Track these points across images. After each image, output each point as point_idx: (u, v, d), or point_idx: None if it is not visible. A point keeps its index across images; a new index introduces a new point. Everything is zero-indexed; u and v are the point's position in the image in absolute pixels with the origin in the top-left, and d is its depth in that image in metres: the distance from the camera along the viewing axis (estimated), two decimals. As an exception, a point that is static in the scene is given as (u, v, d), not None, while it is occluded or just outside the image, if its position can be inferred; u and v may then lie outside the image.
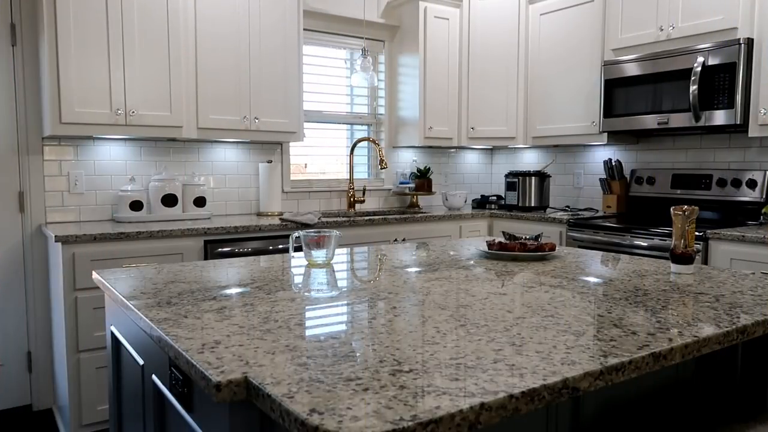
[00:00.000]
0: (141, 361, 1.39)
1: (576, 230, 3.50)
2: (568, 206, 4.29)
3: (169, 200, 3.34)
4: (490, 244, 2.08)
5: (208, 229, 3.00)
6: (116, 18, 2.99)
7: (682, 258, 1.75)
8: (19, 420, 3.08)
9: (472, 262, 1.95)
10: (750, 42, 2.99)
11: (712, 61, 3.07)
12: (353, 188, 4.13)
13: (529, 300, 1.39)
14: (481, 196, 4.52)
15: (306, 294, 1.47)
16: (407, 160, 4.54)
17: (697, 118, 3.13)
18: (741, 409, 1.65)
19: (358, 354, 1.00)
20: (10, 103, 3.09)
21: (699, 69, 3.09)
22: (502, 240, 2.17)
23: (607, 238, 3.33)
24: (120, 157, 3.38)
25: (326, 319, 1.23)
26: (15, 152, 3.12)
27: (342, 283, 1.60)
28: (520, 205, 4.11)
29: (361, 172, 4.45)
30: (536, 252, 2.00)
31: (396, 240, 3.66)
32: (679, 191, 3.58)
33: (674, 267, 1.77)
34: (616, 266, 1.88)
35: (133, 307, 1.34)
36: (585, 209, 4.11)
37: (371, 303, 1.37)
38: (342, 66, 4.29)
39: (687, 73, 3.16)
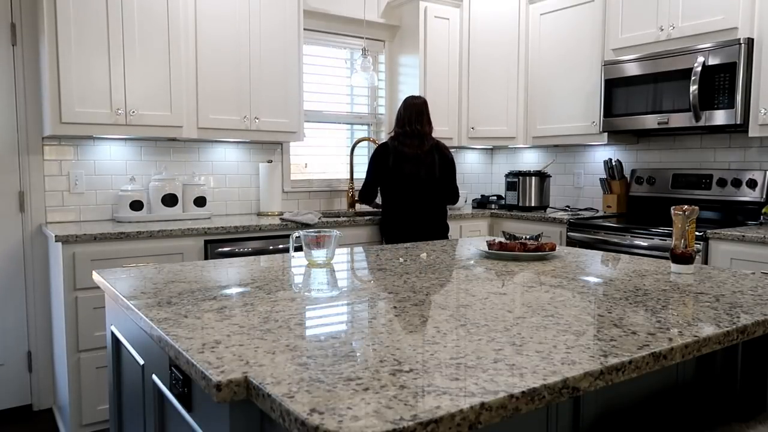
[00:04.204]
0: (141, 361, 1.39)
1: (576, 230, 3.50)
2: (568, 206, 4.29)
3: (170, 200, 3.34)
4: (490, 244, 2.08)
5: (209, 229, 3.01)
6: (116, 18, 2.99)
7: (682, 258, 1.75)
8: (19, 420, 3.08)
9: (472, 262, 1.95)
10: (750, 42, 2.99)
11: (712, 61, 3.07)
12: (353, 188, 4.12)
13: (529, 300, 1.39)
14: (482, 195, 4.52)
15: (306, 294, 1.47)
16: (407, 160, 4.54)
17: (698, 118, 3.13)
18: (741, 409, 1.64)
19: (358, 354, 1.00)
20: (10, 103, 3.10)
21: (699, 69, 3.09)
22: (503, 240, 2.17)
23: (607, 238, 3.33)
24: (120, 156, 3.38)
25: (326, 319, 1.23)
26: (15, 152, 3.12)
27: (342, 283, 1.60)
28: (520, 205, 4.11)
29: (362, 172, 4.44)
30: (536, 252, 2.00)
31: (396, 240, 3.66)
32: (679, 191, 3.58)
33: (674, 267, 1.77)
34: (616, 266, 1.88)
35: (133, 307, 1.34)
36: (585, 209, 4.11)
37: (371, 303, 1.37)
38: (342, 66, 4.28)
39: (687, 73, 3.16)
